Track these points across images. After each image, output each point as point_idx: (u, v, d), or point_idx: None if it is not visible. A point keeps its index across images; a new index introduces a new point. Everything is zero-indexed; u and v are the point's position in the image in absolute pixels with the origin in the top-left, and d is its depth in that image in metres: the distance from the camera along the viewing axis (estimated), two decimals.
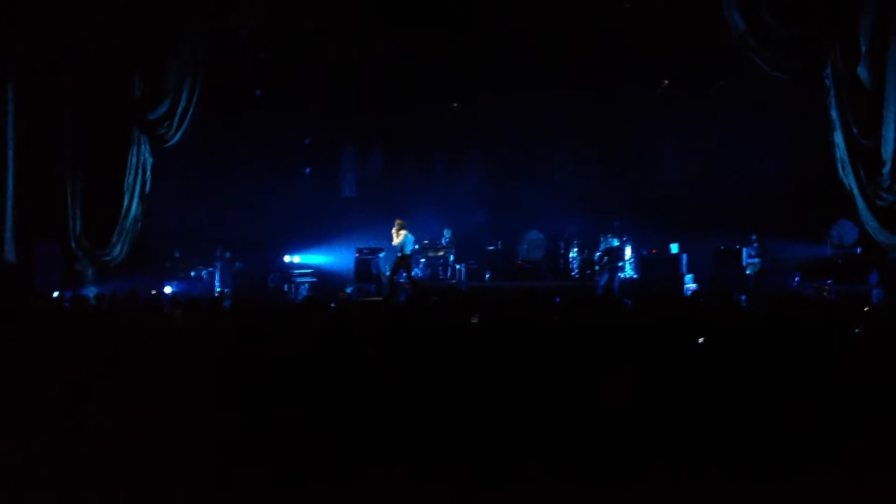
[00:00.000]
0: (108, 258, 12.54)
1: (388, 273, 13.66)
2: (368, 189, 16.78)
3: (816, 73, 10.83)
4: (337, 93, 15.10)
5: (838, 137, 10.66)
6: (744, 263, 12.87)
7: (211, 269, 14.52)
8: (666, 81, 14.56)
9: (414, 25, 13.40)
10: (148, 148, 12.86)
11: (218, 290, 13.98)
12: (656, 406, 3.67)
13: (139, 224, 12.87)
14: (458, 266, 15.01)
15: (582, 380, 3.86)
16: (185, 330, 5.41)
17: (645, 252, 13.96)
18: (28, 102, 11.55)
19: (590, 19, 12.94)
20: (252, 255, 15.03)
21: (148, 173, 12.90)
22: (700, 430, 3.53)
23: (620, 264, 13.45)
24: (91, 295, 10.94)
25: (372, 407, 3.71)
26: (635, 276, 13.77)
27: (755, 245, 12.81)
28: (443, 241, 15.12)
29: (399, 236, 12.11)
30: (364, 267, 14.48)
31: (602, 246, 13.45)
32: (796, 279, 12.02)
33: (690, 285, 12.80)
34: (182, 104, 12.70)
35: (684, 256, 13.45)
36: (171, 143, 12.96)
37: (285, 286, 14.67)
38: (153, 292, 12.50)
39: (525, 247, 15.14)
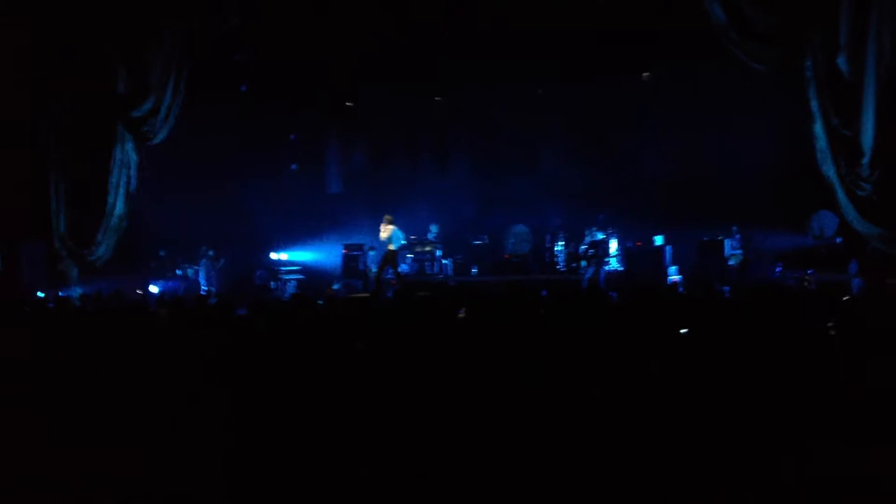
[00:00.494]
0: (92, 258, 12.47)
1: (374, 269, 13.68)
2: (355, 185, 16.75)
3: (797, 65, 10.93)
4: (322, 88, 15.05)
5: (818, 128, 10.76)
6: (726, 255, 12.99)
7: (196, 267, 14.46)
8: (645, 74, 14.62)
9: (399, 18, 13.36)
10: (133, 146, 12.79)
11: (204, 289, 13.93)
12: (642, 397, 3.73)
13: (124, 223, 12.80)
14: (444, 261, 15.04)
15: (568, 374, 3.91)
16: (171, 329, 5.41)
17: (630, 244, 14.04)
18: (10, 100, 11.46)
19: (572, 11, 12.96)
20: (238, 252, 14.98)
21: (133, 171, 12.82)
22: (684, 420, 3.58)
23: (606, 258, 13.53)
24: (76, 295, 10.92)
25: (361, 402, 3.73)
26: (621, 269, 13.86)
27: (737, 236, 12.92)
28: (429, 236, 15.14)
29: (387, 231, 12.13)
30: (351, 263, 14.48)
31: (587, 239, 13.51)
32: (778, 269, 12.15)
33: (674, 277, 12.90)
34: (166, 101, 12.62)
35: (668, 248, 13.55)
36: (155, 141, 12.89)
37: (272, 283, 14.64)
38: (138, 292, 12.45)
39: (511, 241, 15.18)
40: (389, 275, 12.59)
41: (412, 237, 14.76)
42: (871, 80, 10.08)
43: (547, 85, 14.81)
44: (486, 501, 3.24)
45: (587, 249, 13.38)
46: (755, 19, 10.84)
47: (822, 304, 5.23)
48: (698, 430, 3.49)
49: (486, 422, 3.56)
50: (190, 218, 14.56)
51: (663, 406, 3.60)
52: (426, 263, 14.98)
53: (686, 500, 3.21)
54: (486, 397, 3.70)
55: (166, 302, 7.27)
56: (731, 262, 12.90)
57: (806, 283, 10.18)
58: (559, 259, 14.75)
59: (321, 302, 7.91)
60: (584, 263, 13.52)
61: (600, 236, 13.44)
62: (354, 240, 14.78)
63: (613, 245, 13.96)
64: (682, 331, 4.54)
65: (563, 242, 14.71)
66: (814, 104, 10.77)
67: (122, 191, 12.70)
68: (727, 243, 13.04)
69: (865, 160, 10.17)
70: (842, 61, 10.34)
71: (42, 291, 11.19)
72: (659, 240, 13.72)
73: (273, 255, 15.64)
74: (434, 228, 15.18)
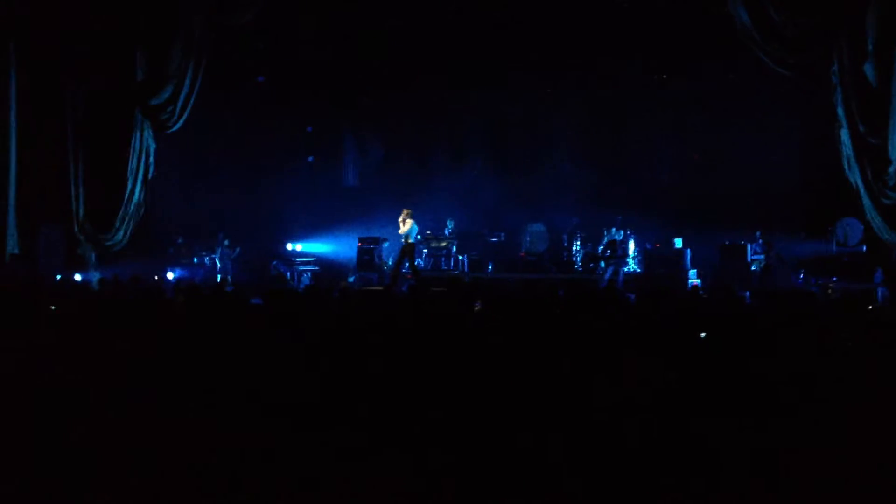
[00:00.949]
0: (110, 243, 12.56)
1: (390, 262, 13.66)
2: (371, 178, 16.76)
3: (823, 70, 10.79)
4: (340, 81, 15.06)
5: (844, 135, 10.63)
6: (748, 259, 12.85)
7: (213, 255, 14.54)
8: (665, 76, 14.48)
9: (418, 13, 13.32)
10: (151, 133, 12.87)
11: (220, 277, 13.99)
12: (658, 400, 3.67)
13: (142, 210, 12.89)
14: (460, 257, 15.01)
15: (583, 371, 3.86)
16: (188, 316, 5.42)
17: (649, 246, 13.94)
18: (31, 87, 11.56)
19: (598, 11, 12.88)
20: (254, 242, 15.04)
21: (151, 158, 12.91)
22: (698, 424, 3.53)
23: (625, 259, 13.43)
24: (94, 280, 11.00)
25: (375, 395, 3.71)
26: (639, 271, 13.76)
27: (760, 242, 12.79)
28: (445, 232, 15.11)
29: (406, 225, 12.13)
30: (366, 256, 14.48)
31: (605, 239, 13.43)
32: (801, 276, 12.01)
33: (694, 280, 12.79)
34: (185, 90, 12.68)
35: (688, 251, 13.43)
36: (173, 129, 12.97)
37: (287, 274, 14.68)
38: (155, 278, 12.53)
39: (528, 239, 15.13)
40: (405, 268, 12.58)
41: (428, 232, 14.75)
42: None
43: (569, 82, 14.71)
44: (491, 497, 3.21)
45: (605, 249, 13.30)
46: (781, 23, 10.71)
47: (844, 314, 5.14)
48: (703, 434, 3.44)
49: (494, 419, 3.53)
50: (207, 206, 14.65)
51: (674, 409, 3.55)
52: (441, 259, 14.96)
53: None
54: (497, 394, 3.67)
55: (183, 289, 7.29)
56: (753, 268, 12.77)
57: (829, 292, 10.04)
58: (576, 259, 14.68)
59: (336, 294, 7.90)
60: (602, 264, 13.43)
61: (619, 236, 13.36)
62: (370, 233, 14.78)
63: (632, 246, 13.87)
64: (701, 335, 4.48)
65: (580, 242, 14.63)
66: (840, 110, 10.64)
67: (140, 178, 12.78)
68: (749, 248, 12.91)
69: (892, 168, 10.03)
70: (869, 68, 10.19)
71: (60, 275, 11.27)
72: (678, 242, 13.61)
73: (289, 246, 15.68)
74: (450, 224, 15.15)
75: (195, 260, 14.57)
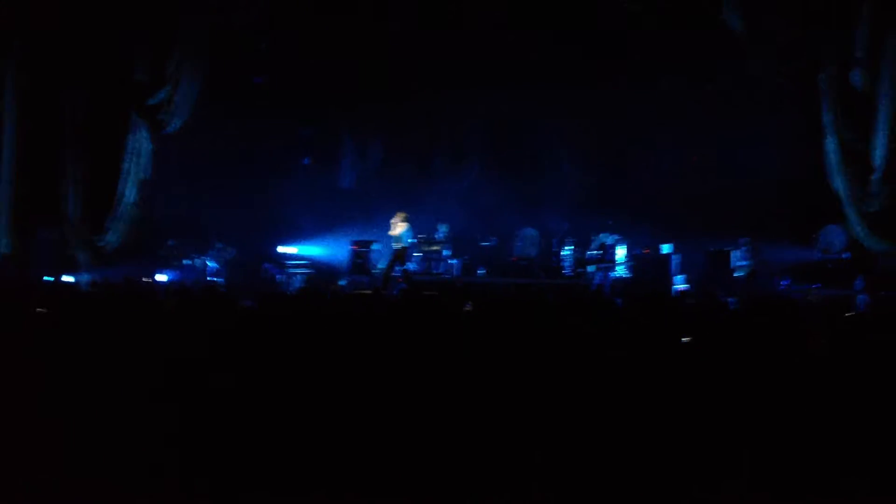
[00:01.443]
0: (102, 244, 12.56)
1: (381, 266, 13.69)
2: (367, 181, 16.76)
3: (811, 78, 10.92)
4: (337, 83, 15.08)
5: (830, 142, 10.76)
6: (733, 266, 12.97)
7: (205, 257, 14.51)
8: (658, 83, 14.59)
9: (414, 16, 13.40)
10: (146, 134, 12.86)
11: (212, 279, 13.98)
12: (643, 404, 3.74)
13: (135, 211, 12.88)
14: (451, 261, 15.05)
15: (571, 374, 3.93)
16: (179, 318, 5.46)
17: (638, 251, 14.03)
18: (29, 87, 11.57)
19: (590, 17, 12.98)
20: (247, 244, 15.02)
21: (145, 160, 12.90)
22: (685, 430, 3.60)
23: (613, 264, 13.52)
24: (85, 281, 11.01)
25: (366, 398, 3.76)
26: (628, 276, 13.85)
27: (745, 248, 12.90)
28: (438, 236, 15.13)
29: (398, 228, 12.13)
30: (359, 260, 14.50)
31: (594, 244, 13.51)
32: (784, 283, 12.13)
33: (681, 286, 12.89)
34: (181, 91, 12.70)
35: (676, 257, 13.53)
36: (169, 131, 12.97)
37: (278, 276, 14.68)
38: (145, 280, 12.51)
39: (520, 243, 15.18)
40: (397, 272, 12.61)
41: (421, 236, 14.80)
42: (884, 95, 10.07)
43: (561, 87, 14.81)
44: (486, 497, 3.27)
45: (594, 254, 13.38)
46: (772, 31, 10.84)
47: (821, 321, 5.22)
48: (691, 438, 3.51)
49: (485, 420, 3.59)
50: (200, 208, 14.62)
51: (660, 412, 3.62)
52: (433, 263, 15.00)
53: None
54: (487, 395, 3.73)
55: (174, 291, 7.33)
56: (737, 274, 12.88)
57: (810, 298, 10.17)
58: (565, 264, 14.75)
59: (327, 297, 7.94)
60: (591, 269, 13.51)
61: (610, 241, 13.43)
62: (364, 236, 14.80)
63: (621, 252, 13.95)
64: (684, 339, 4.56)
65: (571, 247, 14.72)
66: (826, 117, 10.76)
67: (133, 179, 12.78)
68: (734, 254, 13.03)
69: (876, 176, 10.17)
70: (856, 76, 10.33)
71: (51, 276, 11.26)
72: (667, 248, 13.71)
73: (281, 249, 15.66)
74: (443, 228, 15.18)
75: (186, 262, 14.53)
